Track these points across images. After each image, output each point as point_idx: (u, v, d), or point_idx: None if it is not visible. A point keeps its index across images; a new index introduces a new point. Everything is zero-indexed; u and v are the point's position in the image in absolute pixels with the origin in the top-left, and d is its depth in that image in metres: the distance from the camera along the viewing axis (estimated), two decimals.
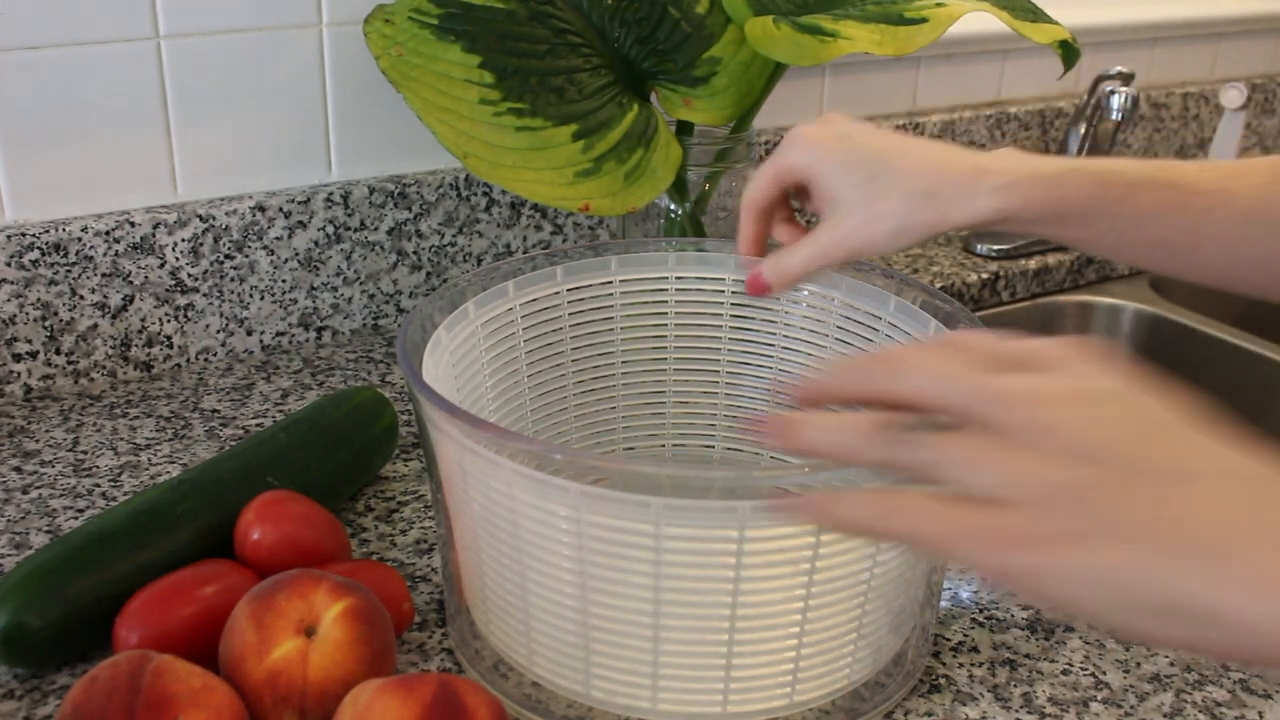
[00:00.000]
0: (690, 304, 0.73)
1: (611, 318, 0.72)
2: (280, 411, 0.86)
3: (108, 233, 0.86)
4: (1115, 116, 1.22)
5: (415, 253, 0.99)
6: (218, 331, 0.93)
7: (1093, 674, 0.62)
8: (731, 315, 0.73)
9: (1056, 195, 0.61)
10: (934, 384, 0.39)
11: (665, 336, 0.74)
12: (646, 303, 0.73)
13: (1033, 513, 0.36)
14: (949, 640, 0.64)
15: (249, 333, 0.94)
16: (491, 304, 0.67)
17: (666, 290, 0.73)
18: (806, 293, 0.71)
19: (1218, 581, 0.34)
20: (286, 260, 0.94)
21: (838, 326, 0.70)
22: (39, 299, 0.85)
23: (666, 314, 0.73)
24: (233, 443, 0.81)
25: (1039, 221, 0.62)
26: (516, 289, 0.69)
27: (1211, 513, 0.35)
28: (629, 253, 0.72)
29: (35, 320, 0.85)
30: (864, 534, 0.41)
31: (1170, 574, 0.35)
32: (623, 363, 0.74)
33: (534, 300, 0.69)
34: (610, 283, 0.72)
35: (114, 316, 0.88)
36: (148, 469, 0.78)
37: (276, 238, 0.93)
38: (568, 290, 0.71)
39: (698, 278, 0.73)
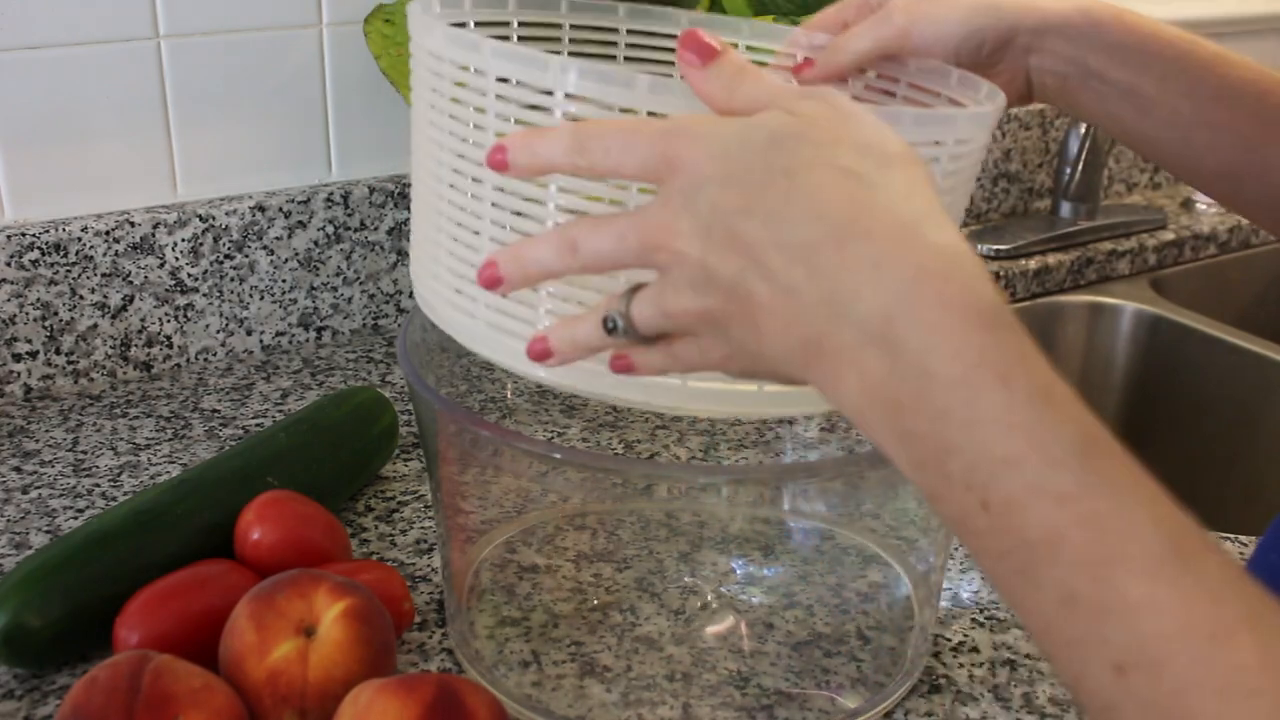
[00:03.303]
0: None
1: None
2: (280, 411, 0.86)
3: (108, 233, 0.86)
4: None
5: None
6: (218, 331, 0.93)
7: None
8: None
9: (1149, 28, 0.57)
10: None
11: None
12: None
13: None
14: (949, 640, 0.64)
15: (249, 333, 0.94)
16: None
17: None
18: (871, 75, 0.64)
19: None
20: (286, 260, 0.94)
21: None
22: (39, 299, 0.85)
23: None
24: (233, 443, 0.81)
25: (1115, 49, 0.57)
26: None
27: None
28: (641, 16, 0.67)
29: (35, 320, 0.85)
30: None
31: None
32: None
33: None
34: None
35: (114, 316, 0.88)
36: (148, 469, 0.78)
37: (276, 238, 0.93)
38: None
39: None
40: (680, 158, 0.37)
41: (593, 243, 0.40)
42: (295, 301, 0.95)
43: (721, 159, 0.37)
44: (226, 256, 0.91)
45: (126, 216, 0.87)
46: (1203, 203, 1.39)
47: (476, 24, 0.61)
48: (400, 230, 0.98)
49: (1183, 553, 0.31)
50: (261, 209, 0.91)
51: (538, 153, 0.40)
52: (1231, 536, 0.75)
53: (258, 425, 0.84)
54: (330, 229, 0.95)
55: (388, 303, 1.00)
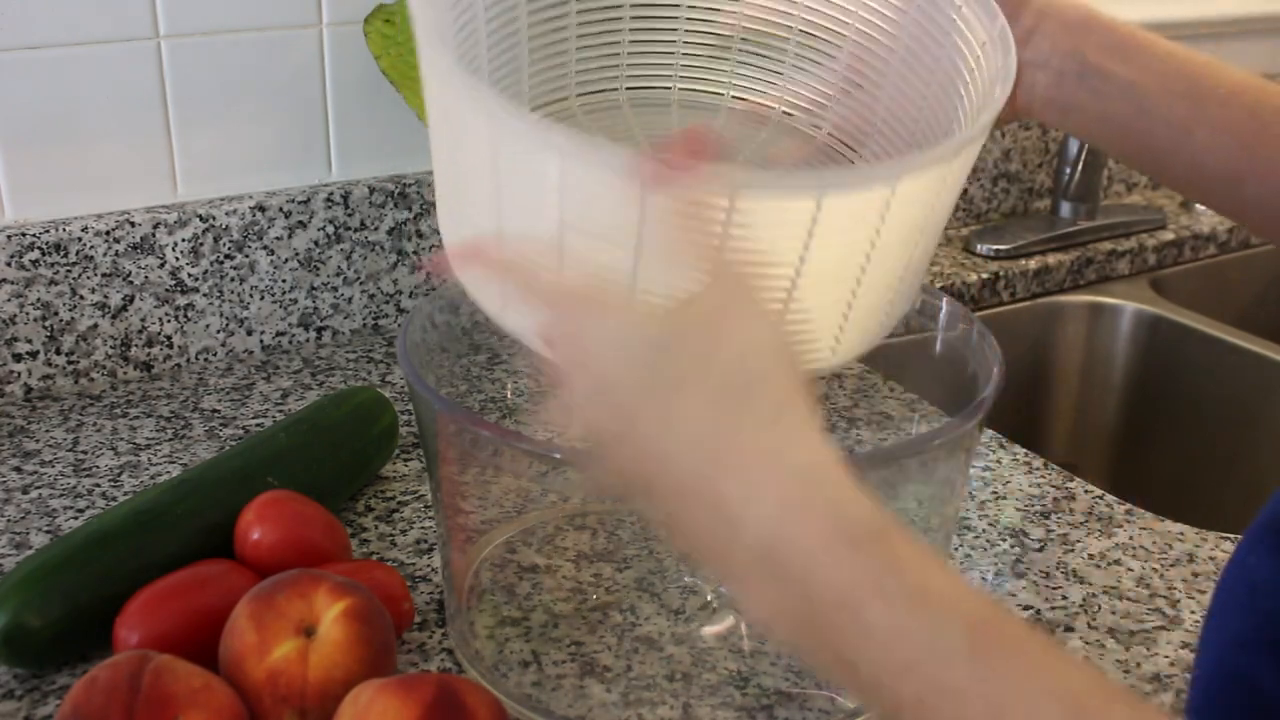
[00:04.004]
0: None
1: None
2: (280, 411, 0.86)
3: (108, 233, 0.86)
4: None
5: (415, 253, 0.99)
6: (218, 331, 0.93)
7: None
8: None
9: (1140, 32, 0.58)
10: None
11: None
12: None
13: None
14: None
15: (249, 333, 0.94)
16: None
17: None
18: None
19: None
20: (286, 260, 0.94)
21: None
22: (39, 299, 0.85)
23: None
24: (233, 443, 0.81)
25: (1114, 47, 0.58)
26: None
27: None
28: None
29: (35, 320, 0.85)
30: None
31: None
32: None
33: None
34: None
35: (114, 316, 0.88)
36: (148, 469, 0.78)
37: (276, 238, 0.93)
38: None
39: None
40: (581, 350, 0.41)
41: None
42: (295, 301, 0.95)
43: (614, 361, 0.40)
44: (227, 256, 0.91)
45: (126, 216, 0.87)
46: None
47: None
48: (400, 230, 0.98)
49: (1082, 714, 0.33)
50: (261, 209, 0.91)
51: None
52: (1231, 536, 0.75)
53: (258, 425, 0.84)
54: (330, 229, 0.95)
55: (388, 303, 1.00)
